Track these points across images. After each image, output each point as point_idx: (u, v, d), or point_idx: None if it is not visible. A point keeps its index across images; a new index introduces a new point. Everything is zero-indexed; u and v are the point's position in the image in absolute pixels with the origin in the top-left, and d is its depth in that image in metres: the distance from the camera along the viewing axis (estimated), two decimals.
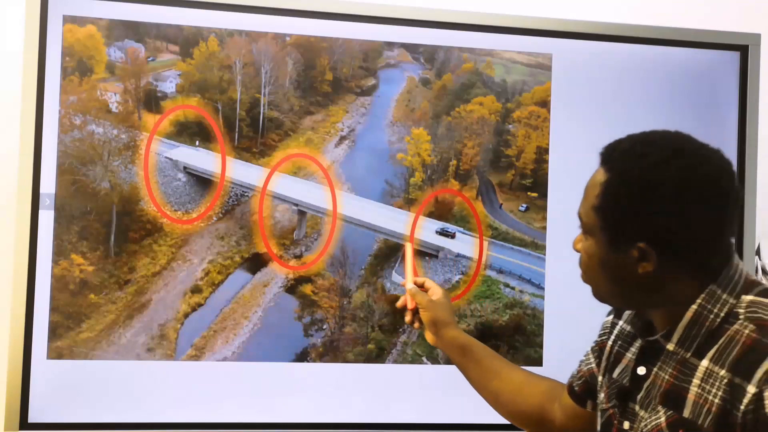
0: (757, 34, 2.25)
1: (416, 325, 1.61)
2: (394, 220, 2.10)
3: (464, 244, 2.13)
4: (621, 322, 1.37)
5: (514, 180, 2.15)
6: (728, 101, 2.23)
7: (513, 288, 2.14)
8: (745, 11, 2.49)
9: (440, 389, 2.07)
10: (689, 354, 1.17)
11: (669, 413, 1.17)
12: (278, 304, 2.06)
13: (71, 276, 1.96)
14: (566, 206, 2.13)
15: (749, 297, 1.17)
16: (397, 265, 2.11)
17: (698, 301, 1.17)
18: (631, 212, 1.15)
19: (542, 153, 2.16)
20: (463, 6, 2.18)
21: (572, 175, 2.16)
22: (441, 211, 2.13)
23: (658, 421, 1.18)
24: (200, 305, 2.03)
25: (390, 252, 2.10)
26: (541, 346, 2.14)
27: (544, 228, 2.13)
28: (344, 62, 2.10)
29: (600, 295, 1.28)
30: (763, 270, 2.31)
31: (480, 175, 2.14)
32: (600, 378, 1.39)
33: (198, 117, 2.03)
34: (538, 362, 2.13)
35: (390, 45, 2.12)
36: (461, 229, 2.13)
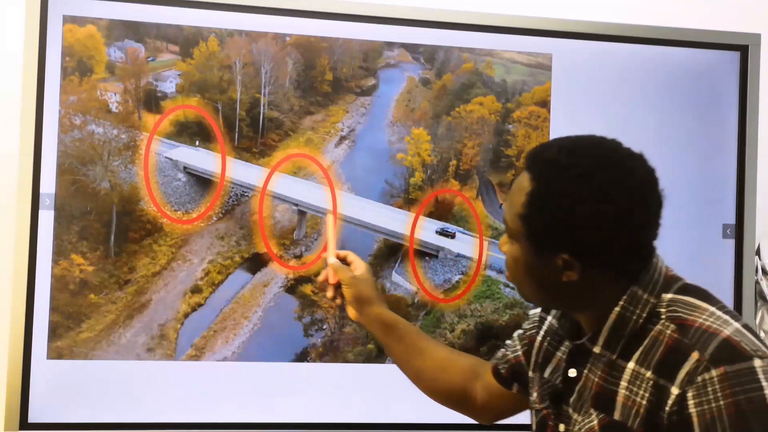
0: (757, 34, 2.25)
1: (338, 300, 1.58)
2: (394, 220, 2.10)
3: (464, 244, 2.13)
4: (549, 317, 1.38)
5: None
6: (728, 101, 2.23)
7: (513, 288, 2.14)
8: (745, 11, 2.49)
9: None
10: (615, 356, 1.18)
11: (601, 416, 1.18)
12: (278, 304, 2.06)
13: (71, 276, 1.96)
14: None
15: (669, 295, 1.18)
16: (397, 265, 2.11)
17: (621, 303, 1.18)
18: (555, 223, 1.14)
19: None
20: (463, 6, 2.18)
21: None
22: (441, 211, 2.13)
23: (591, 424, 1.19)
24: (200, 305, 2.03)
25: (390, 252, 2.10)
26: None
27: None
28: (344, 62, 2.10)
29: (526, 297, 1.29)
30: (764, 270, 2.31)
31: (480, 175, 2.14)
32: (531, 373, 1.39)
33: (198, 117, 2.03)
34: None
35: (390, 45, 2.12)
36: (461, 229, 2.13)
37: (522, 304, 2.14)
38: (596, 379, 1.20)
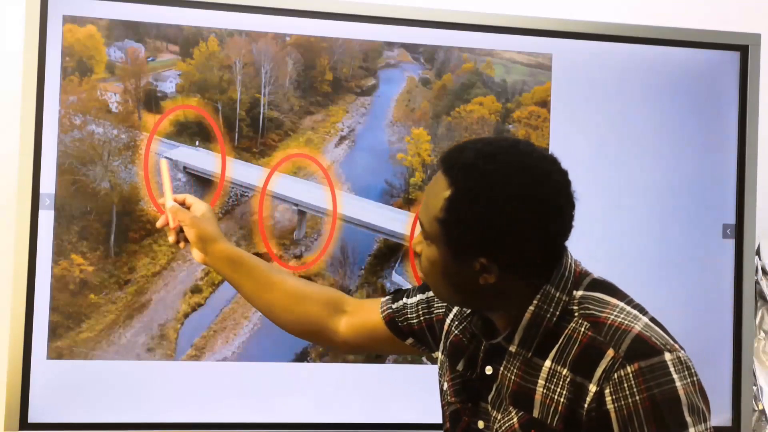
0: (757, 34, 2.25)
1: (182, 244, 1.56)
2: (394, 220, 2.10)
3: None
4: None
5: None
6: (728, 101, 2.23)
7: None
8: (745, 11, 2.49)
9: None
10: (531, 354, 1.19)
11: (520, 414, 1.19)
12: None
13: (71, 276, 1.96)
14: None
15: (580, 292, 1.20)
16: (397, 265, 2.11)
17: (534, 302, 1.19)
18: (473, 229, 1.14)
19: None
20: (463, 6, 2.18)
21: (572, 175, 2.16)
22: None
23: (511, 421, 1.20)
24: (200, 305, 2.03)
25: (390, 252, 2.10)
26: None
27: None
28: (344, 62, 2.10)
29: (441, 298, 1.30)
30: (764, 270, 2.31)
31: None
32: (440, 356, 1.40)
33: (198, 117, 2.03)
34: None
35: (390, 45, 2.12)
36: None
37: None
38: (513, 377, 1.21)
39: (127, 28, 2.00)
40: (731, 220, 2.22)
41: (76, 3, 1.97)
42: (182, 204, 1.57)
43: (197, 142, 2.03)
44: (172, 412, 2.00)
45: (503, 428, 1.21)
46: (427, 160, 2.12)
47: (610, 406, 1.10)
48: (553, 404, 1.15)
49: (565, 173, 1.19)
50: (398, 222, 2.10)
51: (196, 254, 1.55)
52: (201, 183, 2.04)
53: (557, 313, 1.18)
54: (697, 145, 2.22)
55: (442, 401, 1.39)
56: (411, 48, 2.13)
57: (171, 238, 1.56)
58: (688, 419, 1.08)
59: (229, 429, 2.02)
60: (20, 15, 1.97)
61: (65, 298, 1.96)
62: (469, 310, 1.33)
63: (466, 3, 2.22)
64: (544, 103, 2.16)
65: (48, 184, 1.95)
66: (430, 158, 2.12)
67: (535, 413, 1.17)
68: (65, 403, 1.96)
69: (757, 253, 2.29)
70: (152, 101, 2.01)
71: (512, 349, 1.21)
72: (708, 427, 1.11)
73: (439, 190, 1.17)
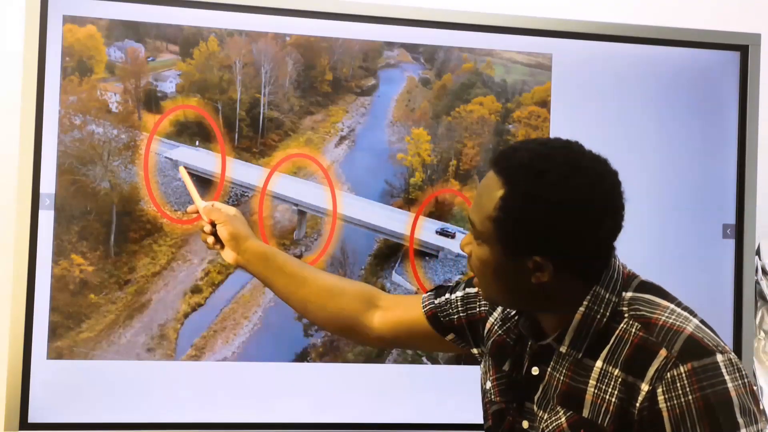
0: (757, 34, 2.25)
1: (217, 246, 1.58)
2: (394, 220, 2.10)
3: None
4: None
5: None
6: (728, 101, 2.23)
7: None
8: (745, 11, 2.49)
9: (440, 389, 2.07)
10: (581, 355, 1.20)
11: (569, 414, 1.20)
12: (278, 304, 2.04)
13: (71, 276, 1.96)
14: None
15: (629, 294, 1.21)
16: (397, 265, 2.11)
17: (585, 303, 1.20)
18: (528, 228, 1.16)
19: None
20: (463, 6, 2.18)
21: None
22: (441, 211, 2.13)
23: (559, 421, 1.21)
24: (200, 305, 2.03)
25: (390, 252, 2.10)
26: None
27: None
28: (344, 62, 2.10)
29: (490, 299, 1.30)
30: (764, 270, 2.31)
31: (480, 175, 2.14)
32: (482, 354, 1.41)
33: (198, 117, 2.03)
34: None
35: (390, 45, 2.12)
36: (461, 229, 2.13)
37: None
38: (562, 378, 1.22)
39: (127, 28, 2.00)
40: (731, 220, 2.22)
41: (76, 3, 1.97)
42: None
43: (197, 142, 2.03)
44: (172, 412, 2.00)
45: (550, 428, 1.22)
46: (427, 160, 2.12)
47: (662, 405, 1.11)
48: (604, 404, 1.16)
49: (615, 174, 1.21)
50: (398, 222, 2.10)
51: (228, 255, 1.57)
52: (201, 183, 2.04)
53: (607, 314, 1.20)
54: (697, 145, 2.22)
55: (483, 399, 1.39)
56: (411, 48, 2.13)
57: (210, 241, 1.58)
58: (740, 420, 1.09)
59: (230, 429, 2.02)
60: (20, 15, 1.97)
61: (65, 298, 1.96)
62: (513, 312, 1.33)
63: (466, 3, 2.22)
64: (544, 103, 2.16)
65: (48, 184, 1.95)
66: (430, 158, 2.12)
67: (585, 413, 1.18)
68: (65, 403, 1.96)
69: (757, 253, 2.29)
70: (152, 101, 2.01)
71: (562, 349, 1.22)
72: (759, 428, 1.11)
73: (492, 190, 1.18)
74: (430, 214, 2.12)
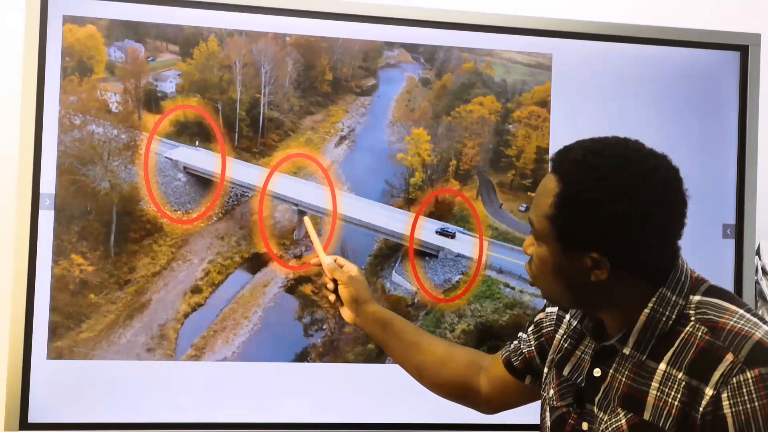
0: (757, 34, 2.25)
1: (338, 303, 1.60)
2: (394, 220, 2.10)
3: (464, 244, 2.13)
4: (568, 316, 1.39)
5: (514, 180, 2.15)
6: (728, 101, 2.23)
7: (513, 288, 2.14)
8: (745, 11, 2.49)
9: None
10: (645, 357, 1.20)
11: (629, 415, 1.20)
12: (278, 304, 2.06)
13: (71, 276, 1.96)
14: None
15: (697, 297, 1.21)
16: (397, 265, 2.11)
17: (650, 305, 1.20)
18: (584, 223, 1.16)
19: (542, 153, 2.16)
20: (463, 6, 2.18)
21: None
22: (441, 211, 2.13)
23: (619, 423, 1.20)
24: (200, 305, 2.03)
25: (390, 252, 2.10)
26: None
27: None
28: (344, 62, 2.10)
29: (551, 298, 1.31)
30: (764, 270, 2.31)
31: (480, 175, 2.14)
32: (545, 369, 1.41)
33: (198, 117, 2.03)
34: None
35: (390, 45, 2.12)
36: (461, 229, 2.13)
37: (522, 304, 2.14)
38: (624, 380, 1.22)
39: (127, 28, 2.00)
40: (731, 220, 2.22)
41: (76, 3, 1.97)
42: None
43: (197, 142, 2.03)
44: (172, 412, 2.00)
45: (609, 429, 1.22)
46: (427, 160, 2.12)
47: (727, 410, 1.10)
48: (667, 407, 1.15)
49: (675, 170, 1.20)
50: (398, 222, 2.10)
51: (347, 314, 1.59)
52: (201, 183, 2.04)
53: (673, 316, 1.19)
54: (696, 145, 2.22)
55: (543, 410, 1.39)
56: (411, 48, 2.13)
57: (332, 297, 1.60)
58: None
59: (230, 429, 2.02)
60: (20, 15, 1.97)
61: (65, 298, 1.96)
62: (576, 323, 1.33)
63: (466, 3, 2.22)
64: (544, 103, 2.16)
65: (48, 184, 1.95)
66: (430, 158, 2.12)
67: (646, 416, 1.17)
68: (65, 403, 1.96)
69: (757, 253, 2.29)
70: (152, 101, 2.01)
71: (626, 351, 1.21)
72: None
73: (549, 189, 1.20)
74: (430, 214, 2.12)
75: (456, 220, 2.13)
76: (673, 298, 1.20)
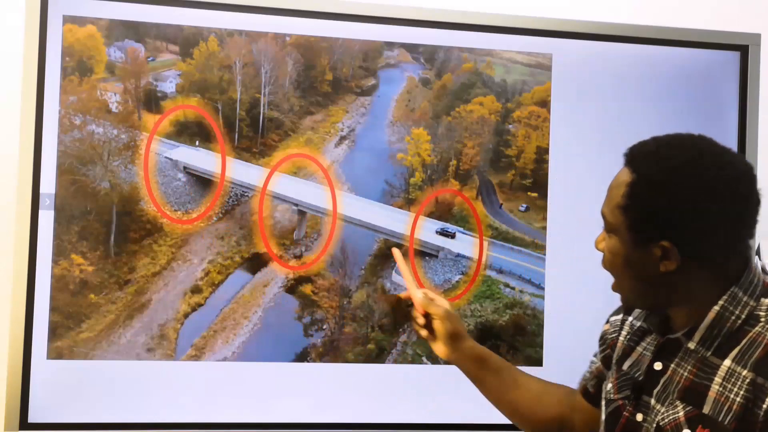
0: (757, 34, 2.25)
1: (431, 338, 1.53)
2: (394, 220, 2.10)
3: (464, 244, 2.13)
4: (631, 318, 1.40)
5: (514, 180, 2.15)
6: (728, 101, 2.23)
7: (513, 288, 2.14)
8: (745, 11, 2.49)
9: (440, 389, 2.07)
10: (709, 353, 1.21)
11: (688, 408, 1.21)
12: (278, 304, 2.06)
13: (71, 276, 1.96)
14: (566, 206, 2.14)
15: None
16: (397, 265, 2.10)
17: (720, 302, 1.21)
18: (654, 212, 1.19)
19: (542, 153, 2.16)
20: (463, 6, 2.18)
21: (572, 175, 2.17)
22: (441, 211, 2.13)
23: (677, 415, 1.22)
24: (200, 305, 2.03)
25: (390, 252, 2.10)
26: (541, 346, 2.14)
27: (544, 228, 2.13)
28: (344, 62, 2.10)
29: (623, 292, 1.31)
30: (764, 270, 2.30)
31: (480, 175, 2.14)
32: (606, 370, 1.43)
33: (198, 117, 2.03)
34: (538, 362, 2.13)
35: (390, 45, 2.12)
36: (461, 229, 2.13)
37: (522, 304, 2.14)
38: (686, 374, 1.23)
39: (127, 28, 2.00)
40: None
41: (76, 3, 1.97)
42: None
43: (197, 142, 2.03)
44: (172, 412, 2.00)
45: (665, 421, 1.23)
46: (427, 160, 2.12)
47: None
48: (728, 403, 1.17)
49: (747, 166, 1.22)
50: (398, 222, 2.10)
51: (441, 349, 1.53)
52: (201, 183, 2.04)
53: (742, 316, 1.21)
54: None
55: (601, 401, 1.39)
56: (411, 48, 2.13)
57: (423, 333, 1.54)
58: None
59: (230, 429, 2.02)
60: (20, 15, 1.97)
61: (65, 298, 1.96)
62: (640, 323, 1.34)
63: (466, 3, 2.21)
64: (544, 103, 2.16)
65: (48, 184, 1.95)
66: (430, 158, 2.12)
67: (706, 410, 1.19)
68: (65, 403, 1.96)
69: (757, 253, 2.29)
70: (152, 101, 2.01)
71: (690, 345, 1.23)
72: None
73: (621, 180, 1.23)
74: (430, 214, 2.12)
75: (456, 220, 2.13)
76: (744, 299, 1.21)
